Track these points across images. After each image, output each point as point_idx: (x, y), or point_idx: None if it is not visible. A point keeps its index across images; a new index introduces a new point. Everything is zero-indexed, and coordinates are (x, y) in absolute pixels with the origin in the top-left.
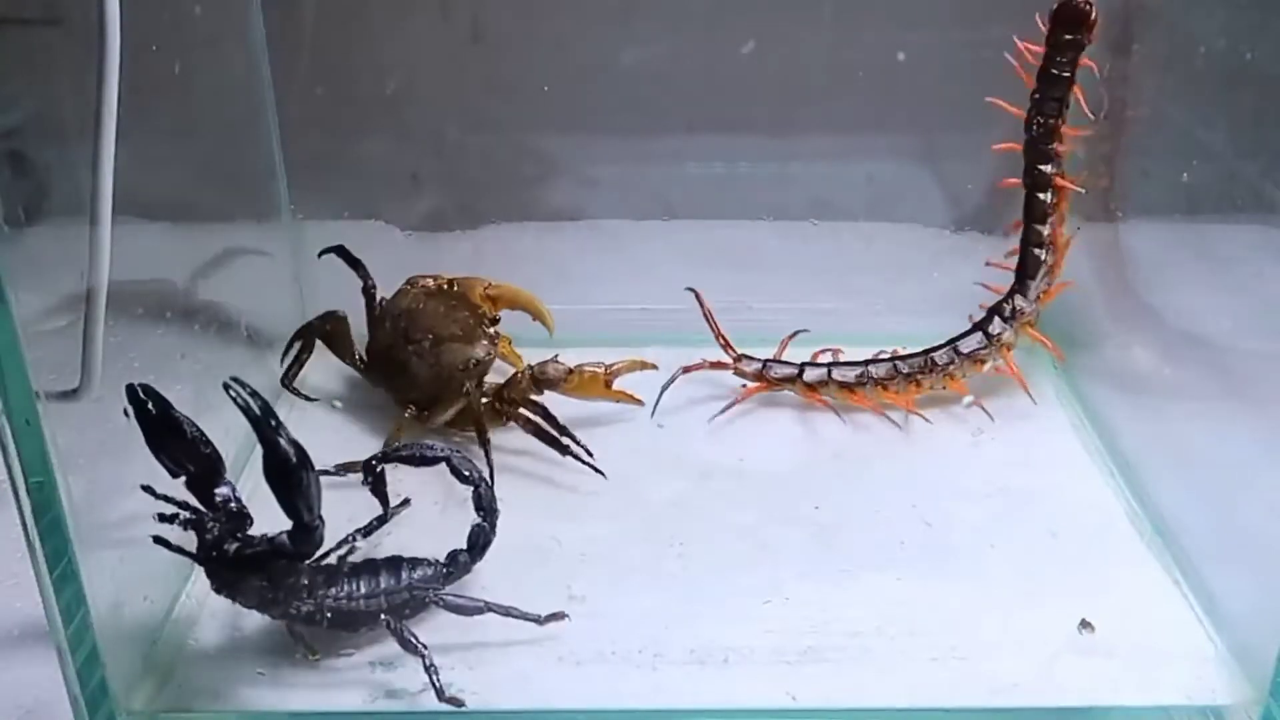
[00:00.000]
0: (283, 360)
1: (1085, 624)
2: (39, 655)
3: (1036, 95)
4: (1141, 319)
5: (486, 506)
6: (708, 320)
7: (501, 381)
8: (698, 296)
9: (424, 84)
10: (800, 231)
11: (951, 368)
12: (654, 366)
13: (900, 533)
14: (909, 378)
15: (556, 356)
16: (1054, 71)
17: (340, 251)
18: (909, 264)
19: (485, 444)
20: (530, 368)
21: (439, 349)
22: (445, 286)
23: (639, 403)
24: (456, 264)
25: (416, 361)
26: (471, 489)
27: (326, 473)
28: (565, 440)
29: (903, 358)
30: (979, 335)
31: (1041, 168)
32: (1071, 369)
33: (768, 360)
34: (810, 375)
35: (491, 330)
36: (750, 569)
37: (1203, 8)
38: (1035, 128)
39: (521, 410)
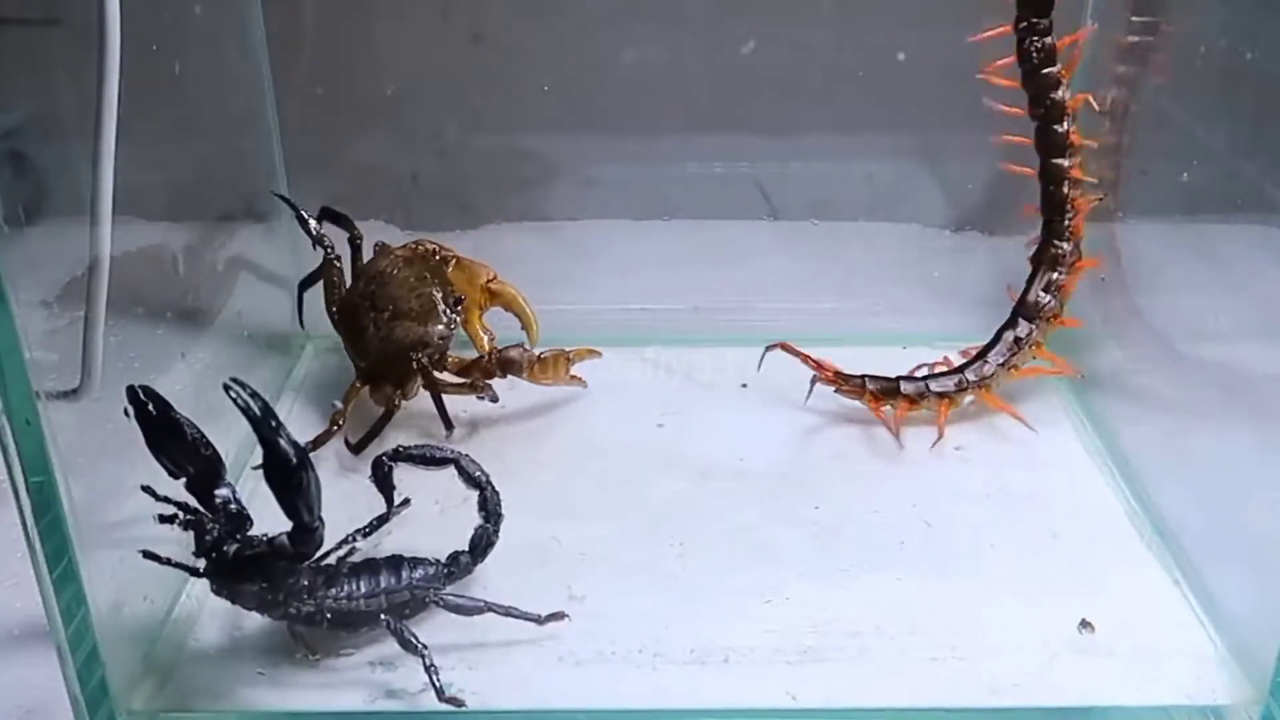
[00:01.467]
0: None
1: (1085, 624)
2: (39, 655)
3: (1022, 25)
4: (1141, 319)
5: (491, 510)
6: (806, 362)
7: (466, 354)
8: (784, 348)
9: (424, 84)
10: (800, 231)
11: (1035, 334)
12: (600, 354)
13: (900, 533)
14: (1005, 365)
15: (524, 344)
16: None
17: (327, 213)
18: (909, 264)
19: (387, 415)
20: (496, 350)
21: (393, 323)
22: (439, 259)
23: (584, 384)
24: None
25: (372, 330)
26: (478, 492)
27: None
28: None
29: (989, 347)
30: (1039, 291)
31: (1050, 94)
32: None
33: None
34: (908, 388)
35: (453, 313)
36: (750, 569)
37: (1203, 8)
38: (1035, 54)
39: (452, 376)
